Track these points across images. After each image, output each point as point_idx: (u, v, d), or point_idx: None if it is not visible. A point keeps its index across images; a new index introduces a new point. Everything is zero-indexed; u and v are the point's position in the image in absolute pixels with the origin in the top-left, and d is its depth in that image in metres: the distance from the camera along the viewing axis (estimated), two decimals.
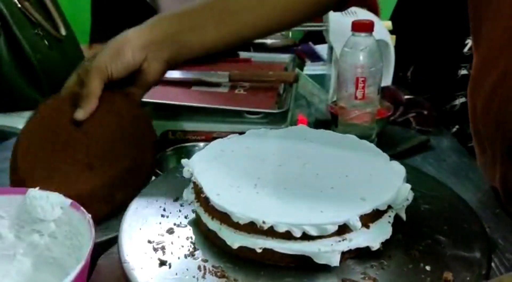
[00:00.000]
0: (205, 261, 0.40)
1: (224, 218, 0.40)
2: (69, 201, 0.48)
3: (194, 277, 0.38)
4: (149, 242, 0.42)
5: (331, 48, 1.02)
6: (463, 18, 0.96)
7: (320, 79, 1.12)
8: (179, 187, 0.50)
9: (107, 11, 1.49)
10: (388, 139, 0.85)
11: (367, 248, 0.40)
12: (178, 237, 0.43)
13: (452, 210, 0.47)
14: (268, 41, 1.14)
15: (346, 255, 0.40)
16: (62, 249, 0.49)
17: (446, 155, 0.84)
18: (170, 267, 0.39)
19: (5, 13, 0.96)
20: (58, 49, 1.10)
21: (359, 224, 0.39)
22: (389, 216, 0.43)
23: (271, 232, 0.38)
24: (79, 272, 0.39)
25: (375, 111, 0.76)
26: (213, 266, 0.39)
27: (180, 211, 0.47)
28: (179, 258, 0.41)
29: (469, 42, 0.95)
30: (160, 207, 0.47)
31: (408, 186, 0.44)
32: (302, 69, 1.14)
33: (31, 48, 0.99)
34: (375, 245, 0.40)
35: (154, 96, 0.85)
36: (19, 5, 1.00)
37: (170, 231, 0.44)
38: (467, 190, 0.72)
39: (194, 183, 0.44)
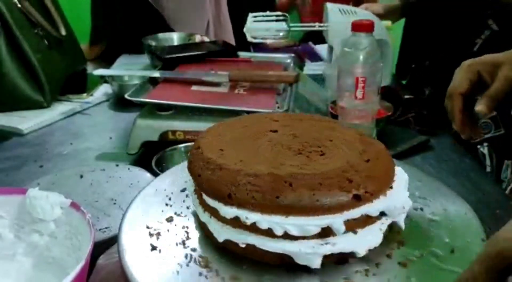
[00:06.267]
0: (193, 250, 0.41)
1: (214, 211, 0.41)
2: (69, 201, 0.48)
3: (178, 264, 0.39)
4: (149, 241, 0.42)
5: (331, 48, 1.02)
6: (474, 18, 0.97)
7: (320, 79, 1.12)
8: (179, 188, 0.50)
9: (107, 11, 1.49)
10: (388, 140, 0.85)
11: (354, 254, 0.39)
12: (176, 234, 0.43)
13: (452, 210, 0.47)
14: (268, 41, 1.14)
15: (332, 258, 0.39)
16: (62, 249, 0.49)
17: (446, 155, 0.84)
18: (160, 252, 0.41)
19: (5, 13, 0.96)
20: (58, 49, 1.10)
21: (342, 228, 0.38)
22: (382, 223, 0.41)
23: (254, 228, 0.39)
24: (79, 272, 0.39)
25: (375, 111, 0.76)
26: (199, 256, 0.40)
27: (180, 213, 0.47)
28: (173, 251, 0.41)
29: (479, 41, 0.96)
30: (160, 207, 0.47)
31: (405, 193, 0.42)
32: (302, 69, 1.14)
33: (31, 48, 0.99)
34: (361, 252, 0.39)
35: (154, 96, 0.85)
36: (19, 5, 1.00)
37: (170, 235, 0.44)
38: (467, 190, 0.72)
39: None
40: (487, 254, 0.29)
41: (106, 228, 0.56)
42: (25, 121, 0.97)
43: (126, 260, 0.40)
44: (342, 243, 0.39)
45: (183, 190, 0.50)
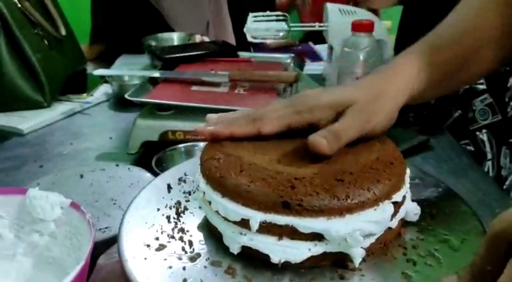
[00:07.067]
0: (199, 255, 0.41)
1: None
2: (69, 201, 0.48)
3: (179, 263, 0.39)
4: (149, 242, 0.42)
5: (331, 48, 1.02)
6: None
7: (320, 79, 1.12)
8: (179, 187, 0.50)
9: (107, 11, 1.49)
10: None
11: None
12: (177, 234, 0.43)
13: (452, 210, 0.47)
14: (268, 41, 1.14)
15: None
16: (62, 249, 0.49)
17: (446, 155, 0.84)
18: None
19: (5, 13, 0.96)
20: (58, 49, 1.10)
21: (256, 225, 0.37)
22: (316, 245, 0.38)
23: (204, 197, 0.43)
24: (79, 272, 0.39)
25: None
26: (201, 256, 0.40)
27: (181, 213, 0.47)
28: (175, 252, 0.41)
29: None
30: (160, 207, 0.48)
31: (364, 229, 0.37)
32: (302, 69, 1.14)
33: (31, 48, 0.99)
34: (275, 259, 0.38)
35: (154, 96, 0.85)
36: (19, 5, 1.00)
37: (170, 236, 0.44)
38: (467, 190, 0.72)
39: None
40: (487, 236, 0.31)
41: (106, 228, 0.56)
42: (25, 121, 0.97)
43: (126, 260, 0.40)
44: (259, 242, 0.38)
45: (189, 194, 0.50)
